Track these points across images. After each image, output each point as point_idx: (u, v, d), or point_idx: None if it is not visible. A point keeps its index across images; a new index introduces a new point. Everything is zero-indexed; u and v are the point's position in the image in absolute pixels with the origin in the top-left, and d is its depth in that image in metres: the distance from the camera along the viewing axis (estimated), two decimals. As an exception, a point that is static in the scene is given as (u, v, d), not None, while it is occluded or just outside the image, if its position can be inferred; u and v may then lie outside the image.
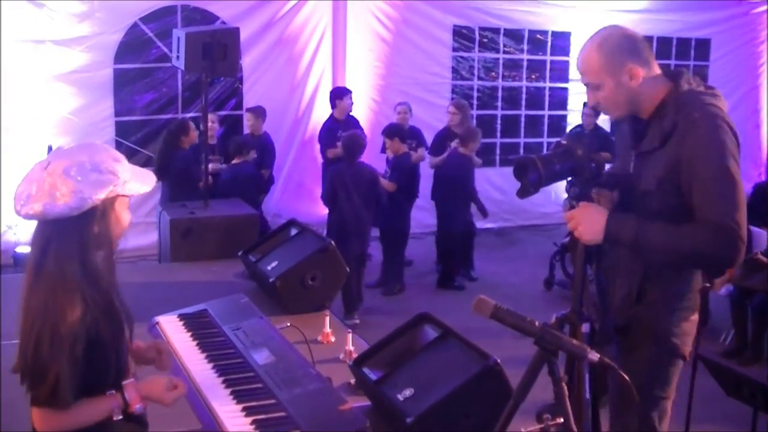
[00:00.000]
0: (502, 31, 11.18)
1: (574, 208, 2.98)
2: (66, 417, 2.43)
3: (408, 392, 3.33)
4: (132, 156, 9.60)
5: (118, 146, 9.47)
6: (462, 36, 10.89)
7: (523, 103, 11.59)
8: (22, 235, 8.61)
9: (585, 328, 2.97)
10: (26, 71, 8.76)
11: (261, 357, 3.19)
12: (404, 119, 9.48)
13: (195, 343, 3.38)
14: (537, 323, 2.42)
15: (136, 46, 9.38)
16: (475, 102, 11.09)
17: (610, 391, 3.27)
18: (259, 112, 9.59)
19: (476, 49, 11.00)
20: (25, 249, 8.39)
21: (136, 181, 2.55)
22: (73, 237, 2.45)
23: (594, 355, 2.41)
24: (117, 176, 2.48)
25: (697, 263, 3.01)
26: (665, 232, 2.88)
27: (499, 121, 11.42)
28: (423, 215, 9.75)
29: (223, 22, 9.53)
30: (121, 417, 2.51)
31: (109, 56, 9.20)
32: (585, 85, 3.15)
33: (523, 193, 3.09)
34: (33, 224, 2.53)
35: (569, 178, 3.04)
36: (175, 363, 3.04)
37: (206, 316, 3.65)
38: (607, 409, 3.27)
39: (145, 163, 9.31)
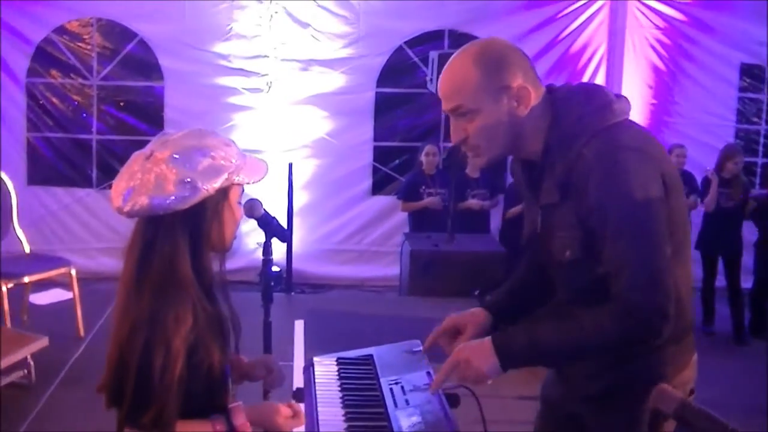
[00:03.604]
0: (797, 71, 9.85)
1: None
2: None
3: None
4: (388, 183, 9.35)
5: (375, 172, 9.29)
6: (750, 75, 9.66)
7: (818, 152, 10.15)
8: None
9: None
10: (289, 92, 8.77)
11: (408, 422, 2.62)
12: (679, 162, 8.55)
13: (341, 395, 2.87)
14: (738, 434, 1.66)
15: (399, 70, 9.08)
16: (761, 149, 9.85)
17: None
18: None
19: (766, 90, 9.77)
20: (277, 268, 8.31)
21: (249, 169, 2.21)
22: (183, 234, 2.11)
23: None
24: (230, 162, 2.15)
25: (613, 351, 2.16)
26: (559, 329, 2.11)
27: (789, 171, 10.08)
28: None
29: (493, 49, 9.05)
30: None
31: (372, 79, 9.00)
32: (450, 112, 2.32)
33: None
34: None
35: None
36: (310, 414, 2.57)
37: (368, 363, 3.13)
38: None
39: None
